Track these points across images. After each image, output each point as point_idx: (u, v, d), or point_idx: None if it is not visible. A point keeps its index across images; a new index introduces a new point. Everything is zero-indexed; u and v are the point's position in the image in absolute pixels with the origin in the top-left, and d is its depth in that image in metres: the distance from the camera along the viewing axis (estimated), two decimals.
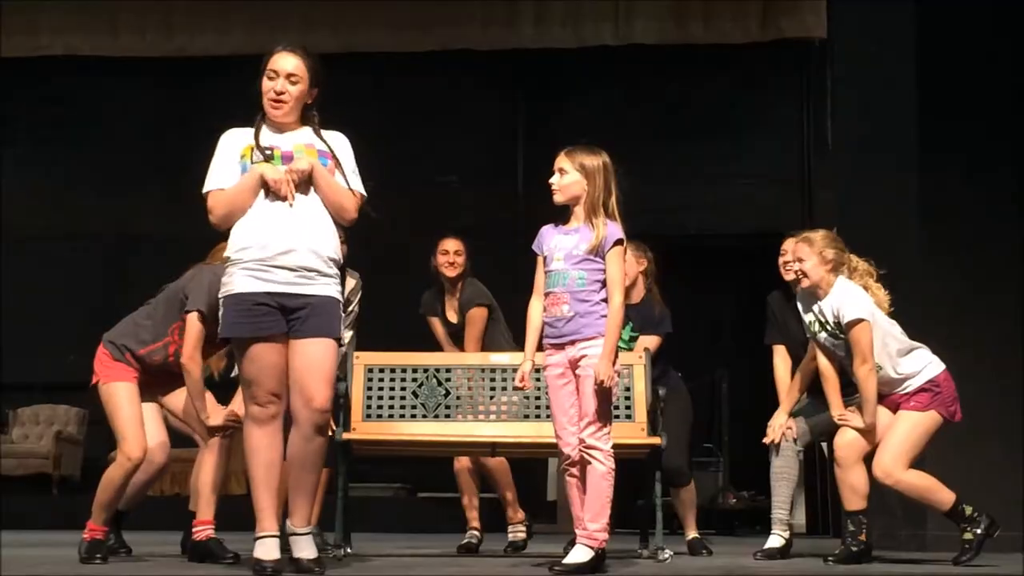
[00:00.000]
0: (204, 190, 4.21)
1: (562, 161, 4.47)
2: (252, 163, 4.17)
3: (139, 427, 4.81)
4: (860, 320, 4.98)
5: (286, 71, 4.23)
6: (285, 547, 4.16)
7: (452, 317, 6.39)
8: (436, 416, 5.59)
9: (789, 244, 5.64)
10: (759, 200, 10.60)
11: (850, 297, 5.04)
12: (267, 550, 4.09)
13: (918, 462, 5.11)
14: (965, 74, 6.80)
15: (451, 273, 6.31)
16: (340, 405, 5.34)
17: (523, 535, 6.26)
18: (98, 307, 10.19)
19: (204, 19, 10.79)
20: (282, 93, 4.22)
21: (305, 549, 4.12)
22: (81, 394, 10.78)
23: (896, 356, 5.08)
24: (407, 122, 11.14)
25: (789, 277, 5.65)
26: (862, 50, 7.36)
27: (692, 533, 6.10)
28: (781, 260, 5.68)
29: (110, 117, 11.22)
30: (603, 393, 4.32)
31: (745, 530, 9.34)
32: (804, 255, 5.14)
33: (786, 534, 5.46)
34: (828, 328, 5.12)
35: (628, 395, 5.50)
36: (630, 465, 5.20)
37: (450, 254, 6.32)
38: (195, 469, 5.15)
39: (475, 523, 6.24)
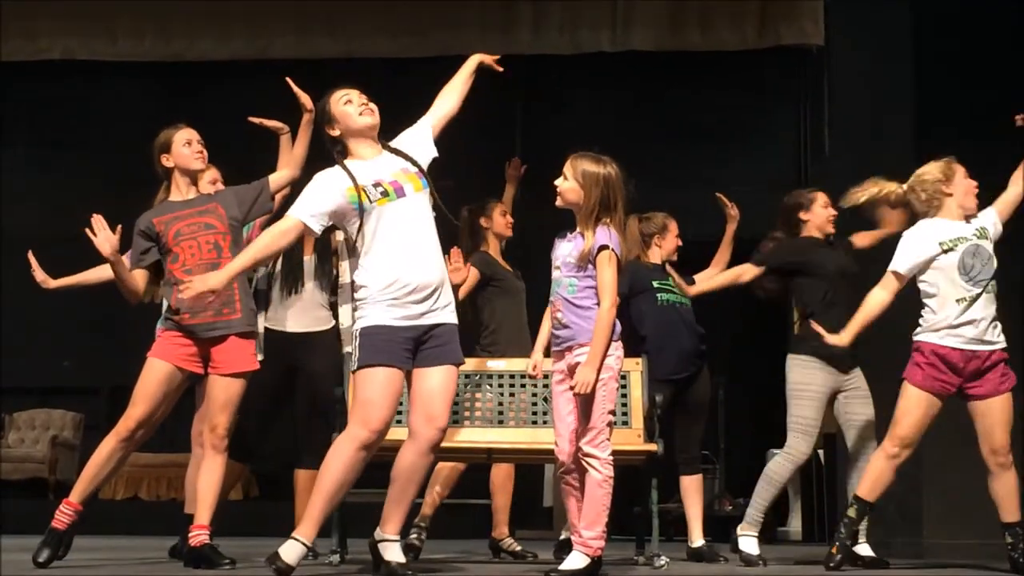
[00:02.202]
0: (292, 213, 4.35)
1: (567, 166, 4.51)
2: (372, 201, 4.33)
3: (142, 403, 4.82)
4: None
5: (358, 92, 4.51)
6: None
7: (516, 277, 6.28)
8: None
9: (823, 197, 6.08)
10: (756, 206, 10.57)
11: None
12: (292, 552, 4.20)
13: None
14: (962, 80, 6.81)
15: (510, 234, 6.33)
16: (337, 410, 5.34)
17: (517, 546, 6.19)
18: (96, 311, 10.21)
19: (202, 24, 10.77)
20: (369, 103, 4.49)
21: (397, 554, 4.39)
22: (77, 398, 10.89)
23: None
24: (404, 127, 11.11)
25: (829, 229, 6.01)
26: (859, 57, 7.37)
27: (699, 540, 5.83)
28: (827, 213, 6.03)
29: (110, 120, 11.20)
30: (587, 399, 4.31)
31: None
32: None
33: (754, 533, 5.43)
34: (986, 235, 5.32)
35: (625, 401, 5.50)
36: (626, 471, 5.19)
37: (508, 215, 6.35)
38: (190, 472, 5.13)
39: (425, 523, 5.97)
